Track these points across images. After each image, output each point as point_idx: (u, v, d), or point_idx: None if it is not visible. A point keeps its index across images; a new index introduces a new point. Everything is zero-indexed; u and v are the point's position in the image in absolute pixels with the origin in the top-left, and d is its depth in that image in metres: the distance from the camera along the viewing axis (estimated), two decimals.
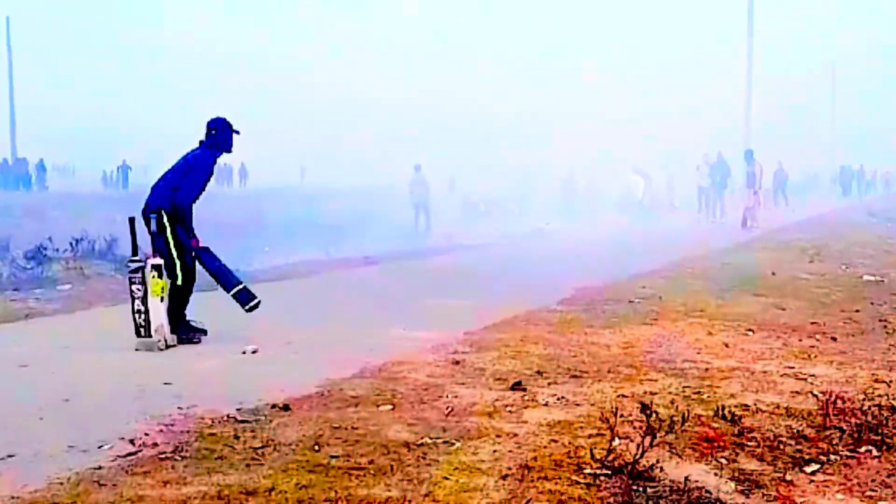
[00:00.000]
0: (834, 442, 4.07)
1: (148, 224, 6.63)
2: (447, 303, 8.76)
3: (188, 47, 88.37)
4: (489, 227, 24.23)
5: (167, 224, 6.62)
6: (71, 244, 12.19)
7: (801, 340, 6.65)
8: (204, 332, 6.77)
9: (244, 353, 6.17)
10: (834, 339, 6.74)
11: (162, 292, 6.37)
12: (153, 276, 6.33)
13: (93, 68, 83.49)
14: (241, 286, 6.87)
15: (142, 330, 6.30)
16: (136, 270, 6.34)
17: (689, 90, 69.51)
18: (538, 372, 5.49)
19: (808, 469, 3.74)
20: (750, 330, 7.08)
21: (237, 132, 7.06)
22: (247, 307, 6.83)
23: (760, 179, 21.54)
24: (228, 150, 7.06)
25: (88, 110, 76.33)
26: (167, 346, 6.34)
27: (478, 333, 6.85)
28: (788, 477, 3.64)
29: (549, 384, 5.18)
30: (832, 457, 3.88)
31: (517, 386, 5.06)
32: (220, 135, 6.97)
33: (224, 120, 7.02)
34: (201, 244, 6.82)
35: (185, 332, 6.67)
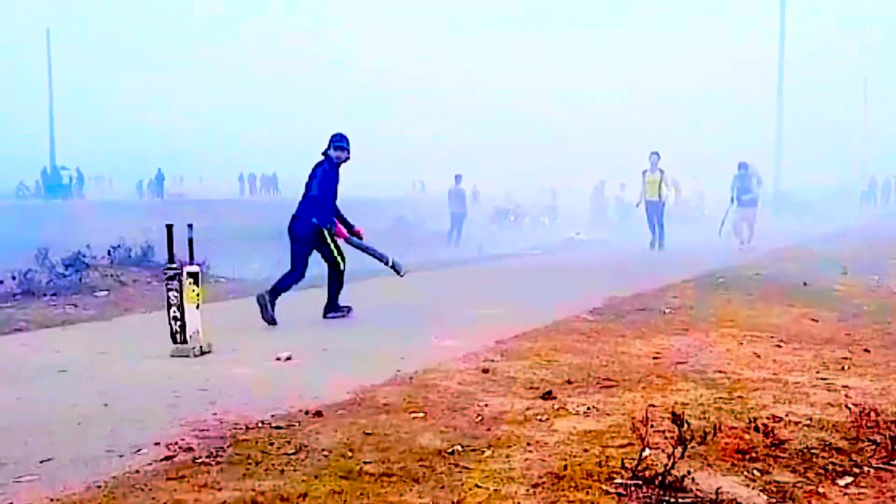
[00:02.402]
0: (867, 454, 4.03)
1: (291, 234, 8.32)
2: (478, 312, 8.79)
3: (227, 55, 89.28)
4: (519, 237, 24.27)
5: (326, 233, 8.29)
6: (108, 251, 12.39)
7: (833, 352, 6.60)
8: (348, 308, 8.53)
9: (278, 359, 6.22)
10: (867, 350, 6.68)
11: (197, 299, 6.46)
12: (189, 283, 6.42)
13: (131, 78, 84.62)
14: (391, 260, 8.73)
15: (177, 336, 6.39)
16: (172, 277, 6.43)
17: (720, 100, 69.01)
18: (568, 381, 5.50)
19: (842, 482, 3.71)
20: (782, 341, 7.04)
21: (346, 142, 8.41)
22: (401, 273, 8.80)
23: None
24: (344, 158, 8.40)
25: (125, 119, 77.34)
26: (202, 353, 6.42)
27: (508, 342, 6.88)
28: (821, 489, 3.62)
29: (579, 393, 5.19)
30: (865, 469, 3.85)
31: (548, 395, 5.07)
32: (334, 145, 8.34)
33: (341, 134, 8.41)
34: (346, 234, 8.46)
35: (337, 311, 8.42)
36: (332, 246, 8.41)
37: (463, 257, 17.78)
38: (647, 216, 18.03)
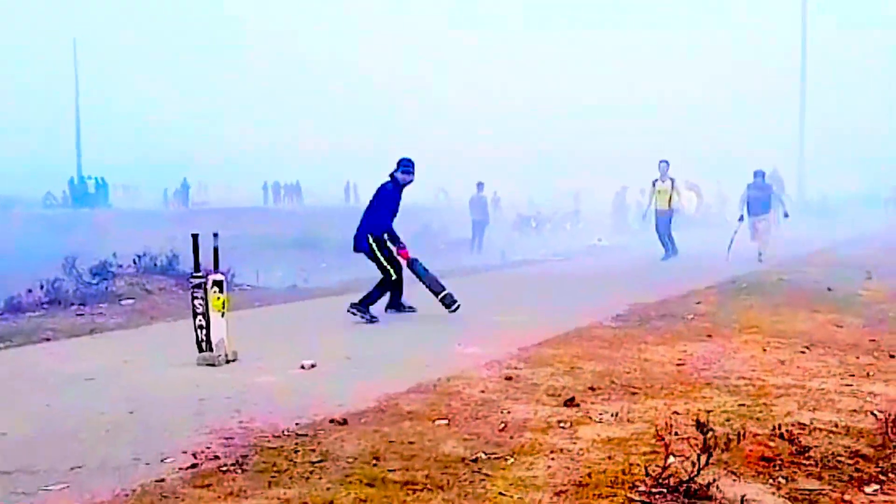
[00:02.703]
0: (893, 461, 4.01)
1: (360, 250, 8.94)
2: (501, 318, 8.81)
3: (253, 62, 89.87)
4: (541, 243, 24.24)
5: (374, 245, 8.84)
6: (133, 260, 12.52)
7: (858, 358, 6.55)
8: (412, 308, 9.12)
9: (302, 367, 6.26)
10: (892, 356, 6.62)
11: (223, 307, 6.52)
12: (214, 292, 6.48)
13: (155, 87, 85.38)
14: (445, 292, 9.02)
15: (203, 344, 6.45)
16: (198, 286, 6.49)
17: (742, 104, 68.54)
18: (591, 388, 5.50)
19: (868, 489, 3.69)
20: (806, 347, 6.99)
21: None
22: (451, 309, 8.94)
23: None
24: (409, 181, 9.15)
25: (151, 128, 78.06)
26: (227, 361, 6.46)
27: (531, 349, 6.88)
28: (847, 497, 3.60)
29: (602, 400, 5.19)
30: (891, 476, 3.83)
31: (571, 402, 5.08)
32: (402, 169, 9.09)
33: (408, 159, 9.16)
34: (410, 256, 8.98)
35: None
36: (382, 258, 8.87)
37: (485, 264, 17.78)
38: (656, 228, 17.24)
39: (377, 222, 8.97)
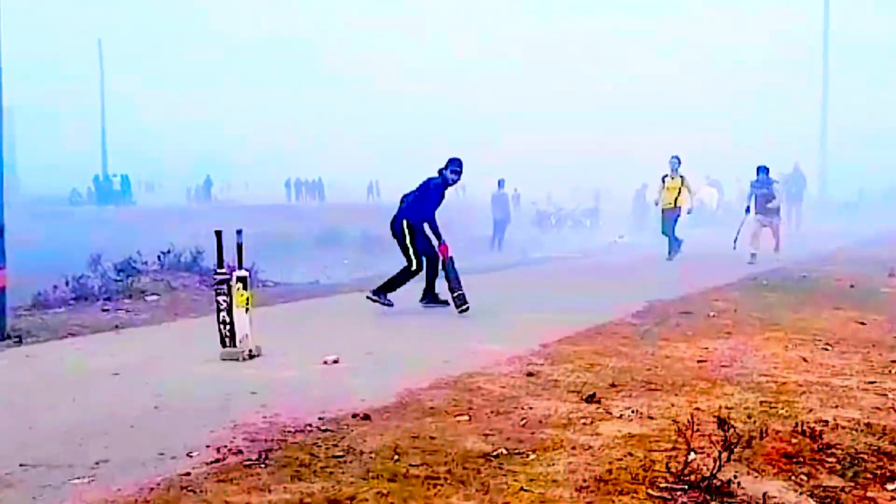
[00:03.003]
0: None
1: (394, 232, 9.25)
2: (522, 315, 8.81)
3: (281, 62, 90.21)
4: (561, 240, 24.19)
5: (406, 230, 9.13)
6: (158, 257, 12.63)
7: (881, 355, 6.51)
8: (445, 302, 9.13)
9: (325, 362, 6.30)
10: None
11: (246, 303, 6.57)
12: (238, 288, 6.53)
13: (179, 84, 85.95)
14: (460, 292, 9.01)
15: (227, 340, 6.49)
16: (222, 282, 6.54)
17: (765, 100, 67.91)
18: (612, 385, 5.51)
19: (890, 486, 3.68)
20: (828, 344, 6.96)
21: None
22: (460, 309, 8.94)
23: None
24: (456, 181, 9.51)
25: (175, 126, 78.55)
26: (251, 356, 6.52)
27: (552, 346, 6.89)
28: (870, 494, 3.59)
29: (623, 397, 5.20)
30: None
31: (591, 398, 5.09)
32: (451, 168, 9.37)
33: (458, 160, 9.44)
34: (449, 254, 9.15)
35: (431, 301, 9.24)
36: (410, 245, 9.14)
37: (506, 261, 17.78)
38: (662, 223, 16.73)
39: (419, 212, 9.22)
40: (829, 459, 3.99)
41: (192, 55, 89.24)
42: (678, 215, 16.55)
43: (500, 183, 22.88)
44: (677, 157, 16.38)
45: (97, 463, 4.03)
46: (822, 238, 20.16)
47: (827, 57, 37.06)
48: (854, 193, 38.58)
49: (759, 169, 15.88)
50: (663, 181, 16.54)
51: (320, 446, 4.22)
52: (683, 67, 77.36)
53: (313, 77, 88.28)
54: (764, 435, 4.15)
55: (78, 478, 3.83)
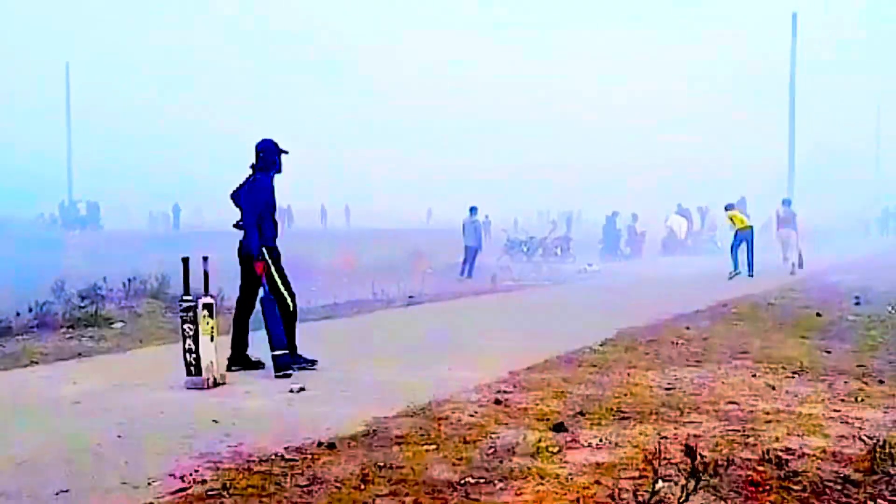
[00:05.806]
0: (881, 488, 4.02)
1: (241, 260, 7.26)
2: (491, 343, 8.81)
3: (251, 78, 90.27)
4: (532, 268, 24.25)
5: (268, 259, 7.17)
6: (123, 284, 12.49)
7: (847, 383, 6.57)
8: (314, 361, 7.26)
9: (291, 391, 6.25)
10: (881, 381, 6.64)
11: (212, 331, 6.51)
12: (204, 316, 6.47)
13: (147, 107, 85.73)
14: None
15: (192, 368, 6.42)
16: (187, 310, 6.48)
17: (731, 132, 69.00)
18: (581, 413, 5.50)
19: None
20: (795, 372, 7.01)
21: (285, 152, 7.38)
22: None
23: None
24: (278, 171, 7.39)
25: (142, 150, 78.25)
26: (216, 385, 6.45)
27: (521, 373, 6.88)
28: None
29: (591, 425, 5.19)
30: (880, 502, 3.84)
31: (560, 427, 5.07)
32: (268, 157, 7.33)
33: (271, 141, 7.36)
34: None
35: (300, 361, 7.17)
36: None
37: (475, 288, 17.78)
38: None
39: (244, 214, 7.25)
40: (796, 488, 4.00)
41: (160, 78, 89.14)
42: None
43: (473, 210, 22.77)
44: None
45: (57, 493, 3.95)
46: (788, 265, 20.38)
47: (793, 89, 37.62)
48: (821, 217, 39.06)
49: (783, 201, 21.26)
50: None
51: (285, 475, 4.17)
52: (652, 94, 78.54)
53: (283, 97, 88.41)
54: (731, 463, 4.15)
55: None
